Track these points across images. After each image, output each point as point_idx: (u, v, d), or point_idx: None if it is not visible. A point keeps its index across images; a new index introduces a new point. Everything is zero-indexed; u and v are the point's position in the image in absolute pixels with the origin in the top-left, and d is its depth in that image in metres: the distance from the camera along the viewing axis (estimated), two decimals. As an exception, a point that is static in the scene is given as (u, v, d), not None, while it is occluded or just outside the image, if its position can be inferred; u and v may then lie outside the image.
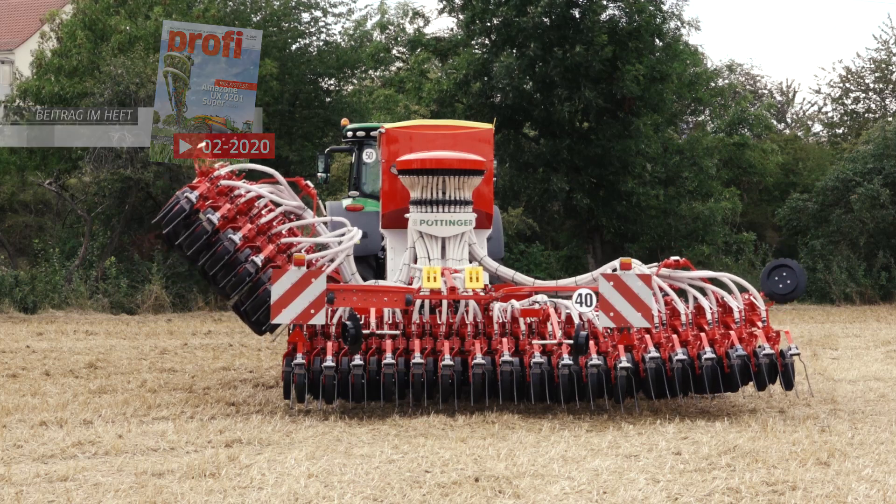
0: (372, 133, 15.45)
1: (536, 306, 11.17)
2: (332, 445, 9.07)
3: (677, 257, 11.55)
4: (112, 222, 26.42)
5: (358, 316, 10.36)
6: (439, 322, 11.07)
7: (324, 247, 11.82)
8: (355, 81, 34.65)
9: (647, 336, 10.69)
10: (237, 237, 11.27)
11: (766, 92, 43.97)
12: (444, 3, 30.57)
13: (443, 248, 11.77)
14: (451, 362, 10.52)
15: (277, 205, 12.13)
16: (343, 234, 11.92)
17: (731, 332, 10.75)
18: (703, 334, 10.78)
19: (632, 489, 7.45)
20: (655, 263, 11.62)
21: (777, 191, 36.38)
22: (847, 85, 40.59)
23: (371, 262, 13.68)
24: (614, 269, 10.82)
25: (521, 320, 10.95)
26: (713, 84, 34.72)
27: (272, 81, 30.03)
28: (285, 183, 12.24)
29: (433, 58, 31.68)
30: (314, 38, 33.28)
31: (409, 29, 34.45)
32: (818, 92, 50.62)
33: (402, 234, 12.20)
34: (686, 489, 7.46)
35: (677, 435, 9.54)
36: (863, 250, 31.06)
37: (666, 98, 29.93)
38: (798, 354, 10.75)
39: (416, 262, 11.79)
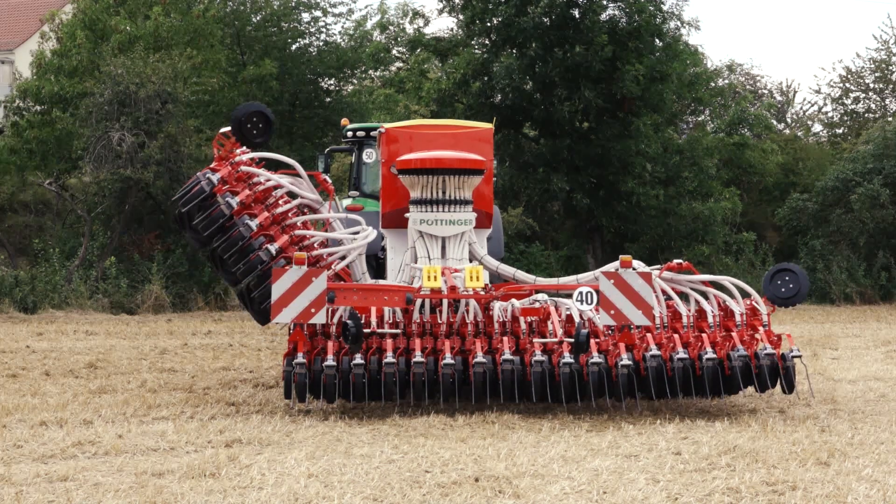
0: (372, 133, 15.45)
1: (537, 305, 11.16)
2: (332, 445, 9.06)
3: (680, 260, 11.51)
4: (112, 222, 26.42)
5: (358, 315, 10.35)
6: (440, 321, 11.07)
7: (337, 243, 11.81)
8: (355, 81, 34.67)
9: (649, 335, 10.69)
10: (254, 224, 11.27)
11: (766, 92, 44.01)
12: (444, 3, 30.60)
13: (443, 247, 11.76)
14: (452, 361, 10.51)
15: (294, 196, 12.10)
16: (357, 233, 11.91)
17: (733, 335, 10.74)
18: (703, 335, 10.77)
19: (632, 489, 7.44)
20: (657, 266, 11.60)
21: (777, 191, 36.40)
22: (847, 85, 40.62)
23: (371, 261, 13.68)
24: (616, 270, 10.80)
25: (522, 319, 10.95)
26: (713, 84, 34.77)
27: (272, 81, 30.07)
28: (305, 175, 12.20)
29: (433, 58, 31.69)
30: (314, 38, 33.32)
31: (409, 29, 34.49)
32: (818, 92, 50.71)
33: (402, 234, 12.20)
34: (686, 489, 7.46)
35: (677, 435, 9.53)
36: (863, 250, 31.06)
37: (666, 98, 29.94)
38: (799, 357, 10.74)
39: (416, 261, 11.79)
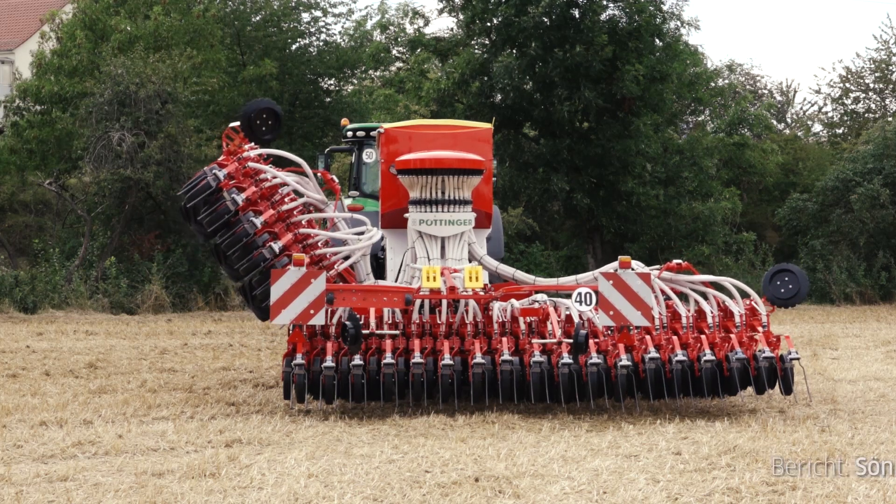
0: (372, 133, 15.44)
1: (536, 305, 11.16)
2: (332, 445, 9.06)
3: (679, 260, 11.51)
4: (112, 222, 26.41)
5: (357, 316, 10.36)
6: (439, 322, 11.07)
7: (340, 243, 11.81)
8: (355, 81, 34.68)
9: (648, 337, 10.69)
10: (258, 221, 11.29)
11: (766, 92, 44.00)
12: (444, 3, 30.60)
13: (442, 247, 11.75)
14: (451, 362, 10.51)
15: (300, 195, 12.10)
16: (362, 233, 11.92)
17: (732, 336, 10.75)
18: (703, 337, 10.77)
19: (632, 489, 7.45)
20: (657, 266, 11.59)
21: (777, 191, 36.39)
22: (847, 85, 40.61)
23: (371, 262, 13.66)
24: (615, 270, 10.80)
25: (521, 319, 10.95)
26: (713, 84, 34.75)
27: (272, 81, 30.07)
28: (311, 174, 12.20)
29: (433, 58, 31.69)
30: (314, 38, 33.34)
31: (409, 29, 34.48)
32: (818, 92, 50.67)
33: (402, 234, 12.20)
34: (686, 489, 7.46)
35: (677, 435, 9.53)
36: (863, 250, 31.05)
37: (666, 98, 29.94)
38: (798, 359, 10.74)
39: (415, 261, 11.79)
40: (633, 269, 10.54)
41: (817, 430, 9.79)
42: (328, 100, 32.82)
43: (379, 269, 13.44)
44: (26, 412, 10.61)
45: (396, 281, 12.08)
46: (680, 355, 10.46)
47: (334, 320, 10.86)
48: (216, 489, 7.42)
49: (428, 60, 31.82)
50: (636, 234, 30.11)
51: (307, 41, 33.24)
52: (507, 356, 10.43)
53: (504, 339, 10.74)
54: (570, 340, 10.41)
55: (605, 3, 28.95)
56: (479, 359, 10.44)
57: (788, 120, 44.88)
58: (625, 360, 10.34)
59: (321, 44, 33.30)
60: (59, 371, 14.08)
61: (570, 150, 28.77)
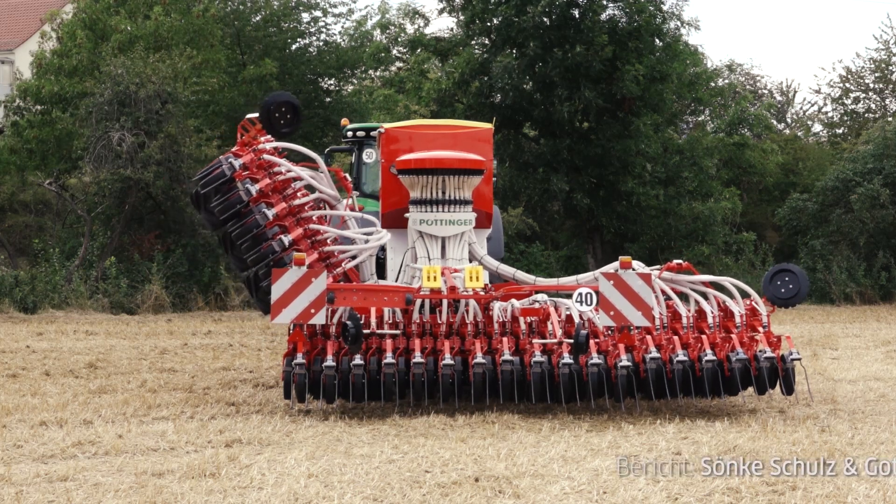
0: (372, 133, 15.43)
1: (536, 305, 11.16)
2: (332, 445, 9.06)
3: (679, 260, 11.51)
4: (112, 222, 26.41)
5: (358, 315, 10.36)
6: (439, 321, 11.07)
7: (348, 241, 11.82)
8: (355, 81, 34.67)
9: (648, 337, 10.69)
10: (270, 213, 11.31)
11: (766, 92, 43.98)
12: (444, 3, 30.59)
13: (443, 247, 11.76)
14: (452, 362, 10.51)
15: (312, 190, 12.11)
16: (370, 234, 11.93)
17: (732, 336, 10.74)
18: (703, 337, 10.77)
19: (632, 489, 7.44)
20: (657, 266, 11.59)
21: (777, 191, 36.38)
22: (847, 85, 40.60)
23: (370, 261, 13.68)
24: (616, 271, 10.80)
25: (522, 319, 10.95)
26: (713, 84, 34.72)
27: (272, 81, 30.07)
28: (325, 170, 12.20)
29: (433, 58, 31.68)
30: (314, 38, 33.33)
31: (410, 29, 34.47)
32: (818, 92, 50.63)
33: (402, 234, 12.21)
34: (686, 489, 7.46)
35: (677, 435, 9.53)
36: (863, 250, 31.05)
37: (666, 98, 29.93)
38: (799, 359, 10.74)
39: (415, 261, 11.79)
40: (633, 270, 10.54)
41: (817, 430, 9.79)
42: (328, 100, 32.82)
43: (379, 268, 13.45)
44: (26, 412, 10.61)
45: (397, 281, 12.08)
46: (681, 355, 10.46)
47: (335, 320, 10.86)
48: (216, 489, 7.42)
49: (428, 60, 31.81)
50: (636, 234, 30.10)
51: (307, 41, 33.25)
52: (507, 356, 10.43)
53: (504, 339, 10.74)
54: (571, 340, 10.41)
55: (605, 3, 28.95)
56: (479, 359, 10.44)
57: (788, 120, 44.89)
58: (625, 361, 10.35)
59: (321, 44, 33.32)
60: (59, 371, 14.08)
61: (570, 150, 28.76)
